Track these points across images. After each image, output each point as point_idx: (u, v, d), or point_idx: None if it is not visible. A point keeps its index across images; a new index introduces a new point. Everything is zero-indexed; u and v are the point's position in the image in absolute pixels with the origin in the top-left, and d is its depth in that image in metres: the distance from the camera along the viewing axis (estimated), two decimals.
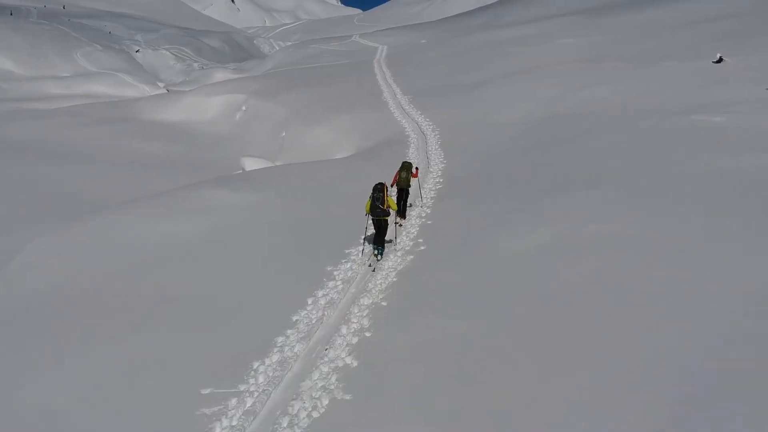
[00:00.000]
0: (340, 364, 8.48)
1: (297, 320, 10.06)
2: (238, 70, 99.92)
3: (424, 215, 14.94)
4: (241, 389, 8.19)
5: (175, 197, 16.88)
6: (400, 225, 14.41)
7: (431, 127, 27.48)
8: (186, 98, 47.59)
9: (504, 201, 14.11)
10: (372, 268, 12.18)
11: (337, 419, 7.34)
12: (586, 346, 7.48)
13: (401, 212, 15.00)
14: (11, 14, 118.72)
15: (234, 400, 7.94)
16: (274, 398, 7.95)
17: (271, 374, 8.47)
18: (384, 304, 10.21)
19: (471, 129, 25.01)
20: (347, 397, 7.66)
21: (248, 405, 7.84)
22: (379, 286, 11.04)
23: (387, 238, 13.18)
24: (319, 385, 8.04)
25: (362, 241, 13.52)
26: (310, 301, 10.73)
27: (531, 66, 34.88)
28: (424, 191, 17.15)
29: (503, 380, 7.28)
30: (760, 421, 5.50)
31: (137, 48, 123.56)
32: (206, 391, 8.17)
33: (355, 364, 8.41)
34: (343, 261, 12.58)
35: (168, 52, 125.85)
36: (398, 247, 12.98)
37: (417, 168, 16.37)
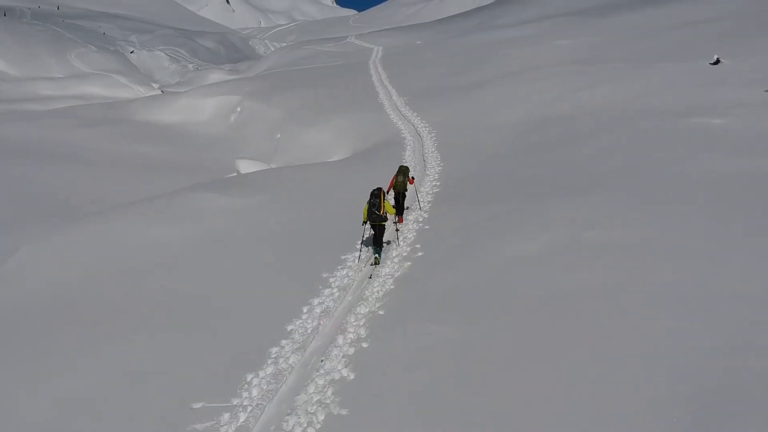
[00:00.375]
0: (337, 376, 8.23)
1: (292, 330, 9.80)
2: (233, 71, 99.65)
3: (421, 220, 14.72)
4: (234, 403, 7.92)
5: (169, 201, 16.60)
6: (398, 229, 14.26)
7: (427, 128, 27.26)
8: (181, 99, 47.27)
9: (502, 205, 13.89)
10: (369, 274, 12.01)
11: None
12: (588, 354, 7.30)
13: (399, 213, 15.04)
14: (5, 15, 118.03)
15: (226, 415, 7.67)
16: (268, 413, 7.69)
17: (265, 387, 8.21)
18: (381, 312, 9.97)
19: (468, 131, 24.80)
20: (344, 411, 7.41)
21: (241, 420, 7.57)
22: (376, 293, 10.79)
23: (385, 239, 13.15)
24: (315, 399, 7.78)
25: (358, 246, 13.30)
26: (305, 310, 10.47)
27: (528, 67, 34.70)
28: (421, 195, 16.93)
29: (503, 389, 7.09)
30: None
31: (132, 49, 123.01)
32: (198, 405, 7.90)
33: (352, 376, 8.17)
34: (339, 267, 12.33)
35: (163, 53, 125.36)
36: (396, 253, 12.75)
37: (413, 177, 16.25)
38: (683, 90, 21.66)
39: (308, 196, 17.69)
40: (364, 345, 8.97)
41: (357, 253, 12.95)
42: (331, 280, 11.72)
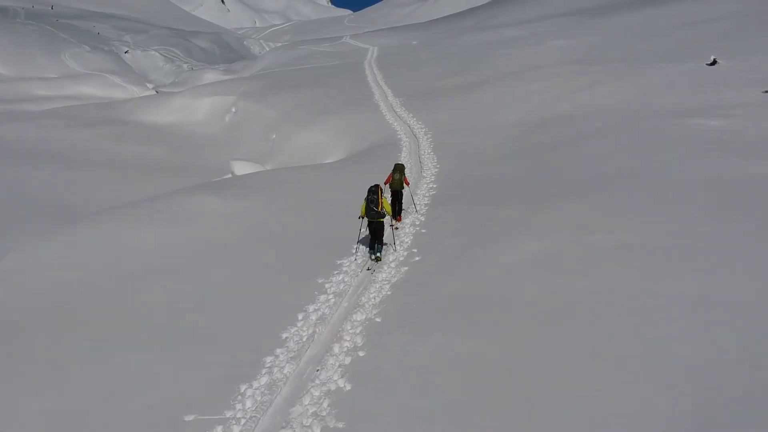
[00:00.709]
0: (333, 387, 8.00)
1: (287, 338, 9.56)
2: (228, 71, 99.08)
3: (418, 223, 14.50)
4: (228, 416, 7.66)
5: (163, 205, 16.31)
6: (396, 228, 14.14)
7: (423, 130, 27.05)
8: (175, 100, 46.93)
9: (501, 207, 13.69)
10: (371, 270, 12.02)
11: None
12: (592, 365, 7.12)
13: (396, 213, 15.06)
14: None
15: (219, 429, 7.40)
16: (262, 426, 7.44)
17: (259, 399, 7.97)
18: (378, 320, 9.74)
19: (465, 132, 24.59)
20: (340, 425, 7.17)
21: None
22: (373, 300, 10.56)
23: (384, 241, 13.02)
24: (310, 411, 7.54)
25: (354, 251, 13.07)
26: (300, 317, 10.23)
27: (525, 67, 34.52)
28: (417, 197, 16.72)
29: (505, 400, 6.91)
30: None
31: (126, 49, 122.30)
32: (190, 418, 7.64)
33: (349, 387, 7.93)
34: (335, 273, 12.09)
35: (157, 53, 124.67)
36: (393, 257, 12.53)
37: (408, 180, 16.09)
38: (683, 90, 21.51)
39: (303, 199, 17.45)
40: (361, 354, 8.74)
41: (353, 257, 12.73)
42: (326, 285, 11.48)
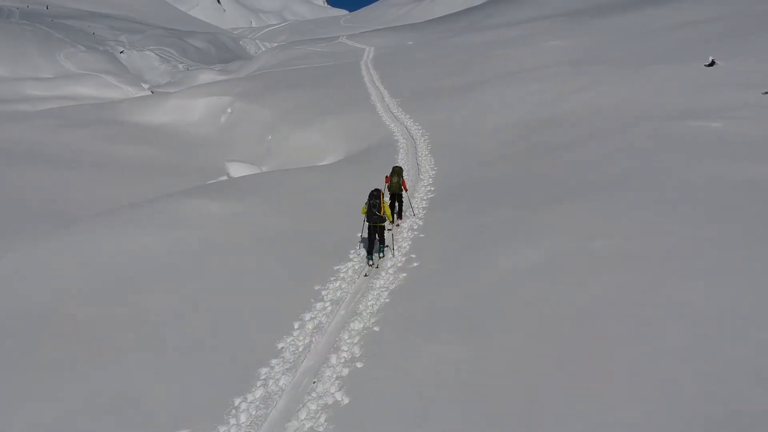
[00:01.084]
0: (330, 400, 7.76)
1: (282, 348, 9.32)
2: (224, 71, 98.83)
3: (416, 227, 14.26)
4: (221, 431, 7.43)
5: (158, 208, 16.02)
6: (397, 225, 13.95)
7: (420, 131, 26.82)
8: (171, 100, 46.58)
9: (501, 210, 13.47)
10: (375, 265, 12.15)
11: None
12: (594, 375, 6.92)
13: (397, 215, 15.14)
14: None
15: None
16: None
17: (253, 413, 7.72)
18: (376, 329, 9.50)
19: (462, 133, 24.37)
20: None
21: None
22: (371, 308, 10.32)
23: (384, 244, 13.01)
24: (307, 426, 7.31)
25: (351, 256, 12.84)
26: (296, 326, 9.99)
27: (522, 68, 34.32)
28: (415, 200, 16.50)
29: (507, 414, 6.70)
30: None
31: (121, 49, 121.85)
32: None
33: (346, 401, 7.69)
34: (332, 279, 11.85)
35: (153, 53, 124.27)
36: (391, 263, 12.31)
37: (405, 181, 15.98)
38: (683, 91, 21.31)
39: (299, 202, 17.19)
40: (359, 365, 8.50)
41: (351, 264, 12.51)
42: (323, 293, 11.24)
